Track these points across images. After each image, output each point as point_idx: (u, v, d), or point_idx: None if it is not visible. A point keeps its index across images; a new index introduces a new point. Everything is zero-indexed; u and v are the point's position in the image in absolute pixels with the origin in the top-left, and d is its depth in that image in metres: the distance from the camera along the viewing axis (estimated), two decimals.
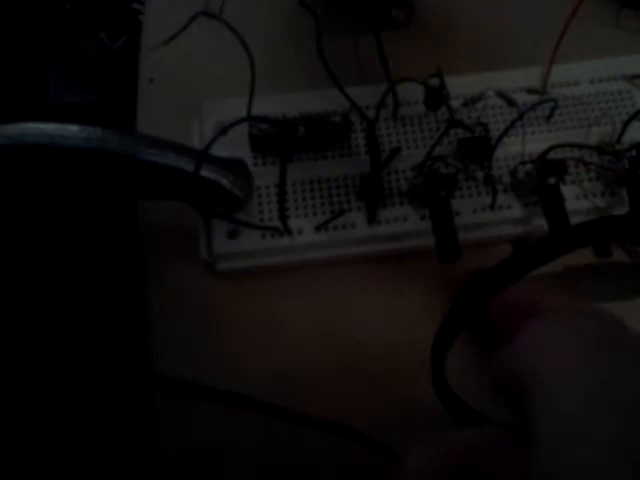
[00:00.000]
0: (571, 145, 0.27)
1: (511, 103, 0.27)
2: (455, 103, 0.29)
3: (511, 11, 0.33)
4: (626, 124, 0.27)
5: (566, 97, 0.29)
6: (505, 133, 0.26)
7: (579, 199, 0.27)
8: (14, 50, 1.01)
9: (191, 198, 0.25)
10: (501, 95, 0.27)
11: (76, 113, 0.99)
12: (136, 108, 0.31)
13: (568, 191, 0.27)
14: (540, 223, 0.27)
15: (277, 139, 0.27)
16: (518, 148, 0.28)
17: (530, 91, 0.28)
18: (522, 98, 0.29)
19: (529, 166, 0.27)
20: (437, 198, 0.26)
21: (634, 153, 0.25)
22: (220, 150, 0.28)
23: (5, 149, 0.23)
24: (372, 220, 0.27)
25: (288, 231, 0.26)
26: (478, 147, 0.28)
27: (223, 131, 0.25)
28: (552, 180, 0.25)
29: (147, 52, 0.31)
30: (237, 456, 0.25)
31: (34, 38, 1.01)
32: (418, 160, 0.28)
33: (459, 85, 0.29)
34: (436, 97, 0.26)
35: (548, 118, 0.28)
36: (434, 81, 0.26)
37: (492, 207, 0.27)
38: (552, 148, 0.26)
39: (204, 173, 0.25)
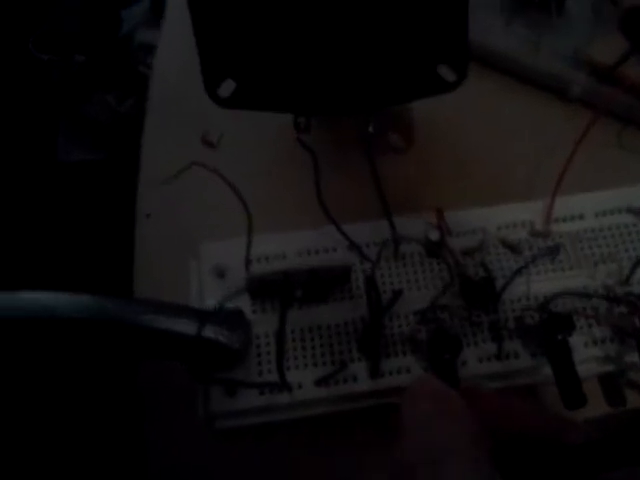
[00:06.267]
0: (576, 294, 0.26)
1: (515, 251, 0.26)
2: (456, 241, 0.28)
3: (510, 140, 0.32)
4: (634, 268, 0.26)
5: (570, 233, 0.28)
6: (510, 281, 0.26)
7: (588, 346, 0.27)
8: (24, 110, 1.02)
9: (188, 360, 0.25)
10: (505, 243, 0.26)
11: (84, 170, 1.01)
12: (134, 242, 0.30)
13: (576, 338, 0.26)
14: (550, 373, 0.26)
15: (276, 288, 0.26)
16: (523, 288, 0.28)
17: (533, 234, 0.27)
18: (524, 235, 0.28)
19: (535, 313, 0.26)
20: (442, 362, 0.25)
21: None
22: (217, 294, 0.28)
23: None
24: (374, 374, 0.26)
25: (287, 387, 0.26)
26: (482, 290, 0.27)
27: (225, 300, 0.24)
28: (560, 336, 0.24)
29: (144, 188, 0.31)
30: None
31: (42, 99, 1.03)
32: (420, 304, 0.27)
33: (459, 221, 0.29)
34: (437, 249, 0.26)
35: (553, 258, 0.28)
36: (434, 234, 0.25)
37: (498, 357, 0.26)
38: (556, 297, 0.26)
39: (203, 334, 0.25)
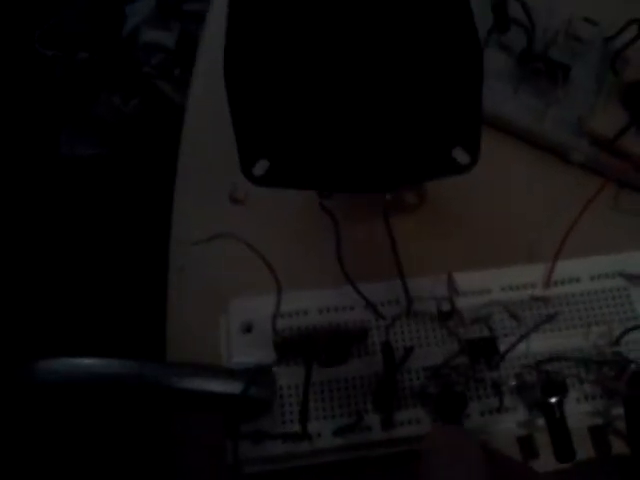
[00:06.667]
0: (569, 359, 0.29)
1: (517, 319, 0.29)
2: (463, 301, 0.31)
3: (517, 201, 0.35)
4: (623, 334, 0.29)
5: (567, 295, 0.31)
6: (512, 348, 0.29)
7: (579, 402, 0.29)
8: (27, 105, 1.04)
9: (226, 413, 0.27)
10: (509, 312, 0.29)
11: (86, 165, 1.02)
12: (167, 294, 0.33)
13: (570, 394, 0.29)
14: (543, 425, 0.29)
15: (300, 347, 0.29)
16: (522, 348, 0.30)
17: (534, 298, 0.30)
18: (526, 298, 0.31)
19: (533, 371, 0.29)
20: (448, 415, 0.28)
21: (631, 373, 0.27)
22: (244, 349, 0.30)
23: (52, 387, 0.25)
24: (387, 425, 0.29)
25: (308, 436, 0.29)
26: (485, 350, 0.30)
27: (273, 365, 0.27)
28: (554, 399, 0.27)
29: (177, 243, 0.33)
30: None
31: (46, 94, 1.04)
32: (430, 360, 0.30)
33: (467, 282, 0.32)
34: (447, 315, 0.28)
35: (551, 319, 0.30)
36: (445, 306, 0.28)
37: (499, 410, 0.29)
38: (551, 360, 0.29)
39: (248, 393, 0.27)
